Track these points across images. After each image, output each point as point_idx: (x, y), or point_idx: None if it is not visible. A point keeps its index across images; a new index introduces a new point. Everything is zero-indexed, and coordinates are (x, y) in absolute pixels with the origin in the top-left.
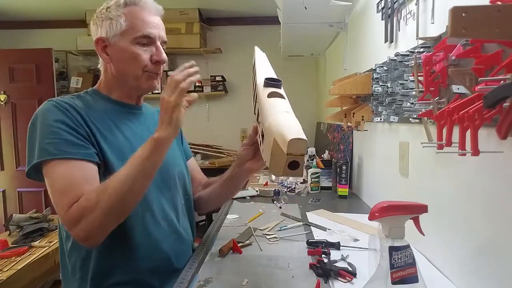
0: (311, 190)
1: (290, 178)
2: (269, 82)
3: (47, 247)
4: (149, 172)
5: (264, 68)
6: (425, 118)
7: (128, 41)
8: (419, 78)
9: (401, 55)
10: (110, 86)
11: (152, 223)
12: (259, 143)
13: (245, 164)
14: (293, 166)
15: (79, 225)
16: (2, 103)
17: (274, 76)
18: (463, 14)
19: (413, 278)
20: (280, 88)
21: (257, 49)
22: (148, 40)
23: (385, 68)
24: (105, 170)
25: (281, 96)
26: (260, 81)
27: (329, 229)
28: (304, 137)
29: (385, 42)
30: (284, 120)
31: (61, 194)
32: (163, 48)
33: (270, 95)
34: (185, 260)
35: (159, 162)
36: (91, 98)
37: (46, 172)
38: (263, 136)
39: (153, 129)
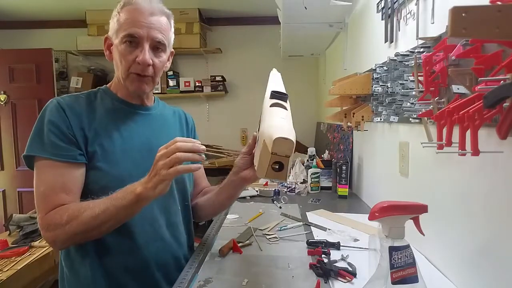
0: (311, 190)
1: (290, 177)
2: (275, 94)
3: (47, 247)
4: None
5: (275, 83)
6: (425, 118)
7: (118, 40)
8: (419, 78)
9: (401, 55)
10: (117, 84)
11: (136, 225)
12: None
13: (242, 172)
14: (278, 167)
15: (47, 232)
16: (2, 103)
17: (282, 91)
18: (463, 14)
19: (413, 278)
20: (285, 101)
21: (274, 70)
22: (133, 39)
23: (385, 68)
24: (91, 169)
25: (283, 107)
26: (268, 93)
27: (329, 229)
28: (291, 138)
29: (385, 42)
30: (276, 123)
31: (41, 199)
32: (160, 49)
33: (273, 105)
34: (170, 270)
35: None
36: (99, 97)
37: (35, 169)
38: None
39: (158, 132)
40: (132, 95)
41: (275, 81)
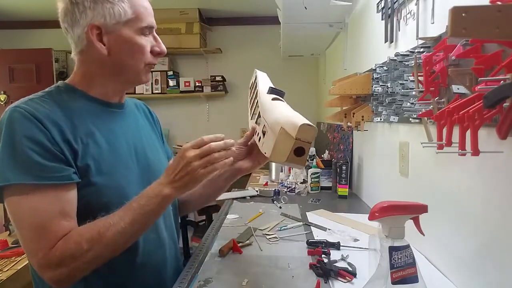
0: (311, 190)
1: (290, 177)
2: (273, 90)
3: None
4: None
5: (266, 82)
6: (425, 118)
7: (132, 31)
8: (419, 78)
9: (401, 55)
10: (91, 80)
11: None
12: (258, 140)
13: (236, 163)
14: (299, 152)
15: (59, 269)
16: (2, 103)
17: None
18: (463, 14)
19: (413, 278)
20: (283, 97)
21: (257, 70)
22: (150, 30)
23: (385, 68)
24: (87, 186)
25: (283, 102)
26: (264, 89)
27: (329, 229)
28: (314, 126)
29: (385, 42)
30: (292, 113)
31: (38, 233)
32: None
33: (274, 99)
34: (172, 270)
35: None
36: (66, 97)
37: (11, 201)
38: (264, 133)
39: (135, 131)
40: (128, 88)
41: (265, 80)
